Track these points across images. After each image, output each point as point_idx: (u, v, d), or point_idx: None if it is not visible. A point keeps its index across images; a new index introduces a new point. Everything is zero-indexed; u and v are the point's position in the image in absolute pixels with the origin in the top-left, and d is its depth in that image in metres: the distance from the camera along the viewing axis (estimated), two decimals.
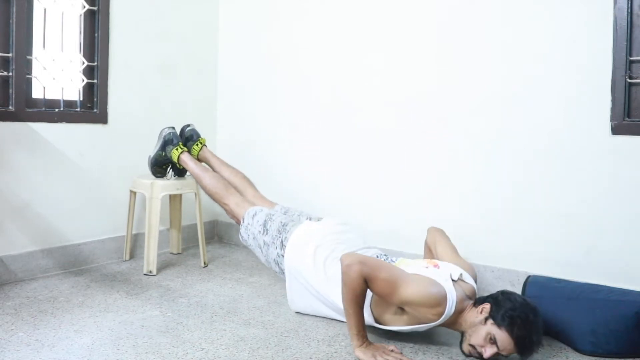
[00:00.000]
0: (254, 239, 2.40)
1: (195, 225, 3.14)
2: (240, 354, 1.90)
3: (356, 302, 1.88)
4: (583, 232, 2.38)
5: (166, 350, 1.91)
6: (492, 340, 1.77)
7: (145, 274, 2.77)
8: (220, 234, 3.62)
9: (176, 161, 2.78)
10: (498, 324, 1.78)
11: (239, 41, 3.50)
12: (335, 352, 1.94)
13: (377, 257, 2.21)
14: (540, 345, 1.81)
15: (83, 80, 2.88)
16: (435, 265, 2.04)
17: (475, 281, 2.11)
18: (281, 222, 2.35)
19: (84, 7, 2.86)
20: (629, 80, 2.28)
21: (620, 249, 2.30)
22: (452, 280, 1.95)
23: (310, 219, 2.41)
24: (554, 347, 2.03)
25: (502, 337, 1.76)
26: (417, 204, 2.79)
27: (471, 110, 2.64)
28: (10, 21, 2.57)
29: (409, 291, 1.85)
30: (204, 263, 2.98)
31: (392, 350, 1.88)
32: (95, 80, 2.91)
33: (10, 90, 2.59)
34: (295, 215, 2.50)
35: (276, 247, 2.31)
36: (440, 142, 2.73)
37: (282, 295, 2.52)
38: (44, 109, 2.73)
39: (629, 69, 2.28)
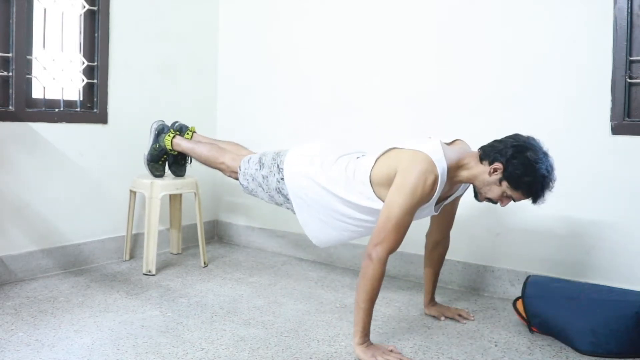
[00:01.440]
0: (253, 179, 2.38)
1: (195, 225, 3.14)
2: (240, 354, 1.90)
3: (371, 297, 1.88)
4: (583, 232, 2.38)
5: (166, 350, 1.91)
6: (509, 196, 1.91)
7: (145, 274, 2.77)
8: (220, 234, 3.62)
9: (170, 147, 2.75)
10: (514, 187, 1.88)
11: (239, 41, 3.50)
12: (335, 352, 1.94)
13: (372, 154, 2.15)
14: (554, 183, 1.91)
15: (83, 80, 2.88)
16: (428, 137, 2.08)
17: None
18: (275, 152, 2.36)
19: (84, 7, 2.86)
20: (629, 80, 2.28)
21: (620, 249, 2.30)
22: (444, 143, 1.99)
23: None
24: (554, 347, 2.03)
25: (519, 196, 1.91)
26: None
27: (471, 110, 2.64)
28: (10, 21, 2.57)
29: (405, 206, 1.86)
30: (204, 263, 2.98)
31: (391, 351, 1.88)
32: (95, 80, 2.91)
33: (10, 90, 2.59)
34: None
35: (274, 174, 2.29)
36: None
37: (282, 295, 2.53)
38: (44, 109, 2.73)
39: (629, 69, 2.28)
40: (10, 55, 2.58)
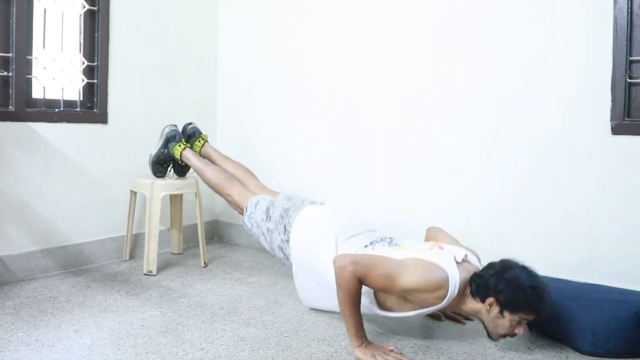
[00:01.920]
0: (257, 227, 2.40)
1: (196, 225, 3.14)
2: (240, 354, 1.90)
3: (352, 303, 1.88)
4: (583, 232, 2.38)
5: (166, 350, 1.91)
6: (518, 322, 1.86)
7: (145, 274, 2.77)
8: (221, 234, 3.62)
9: (179, 157, 2.78)
10: (516, 310, 1.84)
11: (239, 41, 3.50)
12: (335, 352, 1.94)
13: (382, 239, 2.18)
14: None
15: (83, 80, 2.88)
16: (440, 247, 2.02)
17: (480, 262, 2.10)
18: (284, 208, 2.35)
19: (84, 7, 2.86)
20: (629, 80, 2.28)
21: (620, 249, 2.30)
22: (457, 262, 1.94)
23: (313, 204, 2.40)
24: (554, 347, 2.03)
25: (527, 316, 1.85)
26: (416, 204, 2.79)
27: (471, 110, 2.64)
28: (10, 21, 2.57)
29: (407, 280, 1.85)
30: (204, 263, 2.98)
31: (391, 350, 1.88)
32: (95, 80, 2.91)
33: (10, 90, 2.59)
34: (299, 201, 2.47)
35: (279, 233, 2.30)
36: (439, 142, 2.73)
37: (282, 295, 2.53)
38: (44, 109, 2.73)
39: (629, 69, 2.28)
40: (10, 55, 2.58)
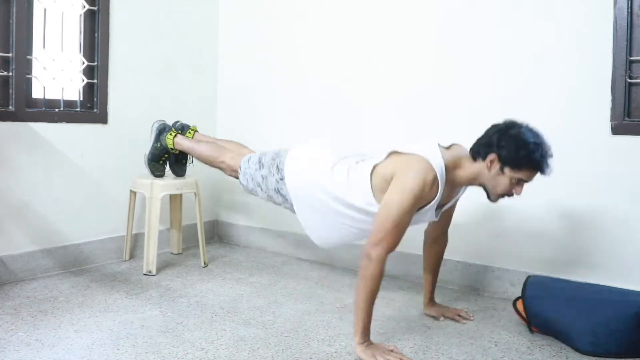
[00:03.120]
0: (252, 179, 2.39)
1: (196, 225, 3.13)
2: (240, 354, 1.90)
3: (371, 297, 1.88)
4: (583, 232, 2.38)
5: (166, 350, 1.91)
6: (518, 181, 1.89)
7: (145, 274, 2.77)
8: (221, 234, 3.62)
9: (172, 146, 2.76)
10: (517, 168, 1.87)
11: (239, 41, 3.50)
12: (335, 352, 1.94)
13: (371, 157, 2.17)
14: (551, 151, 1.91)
15: (83, 80, 2.88)
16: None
17: None
18: (274, 152, 2.36)
19: (84, 7, 2.86)
20: (629, 80, 2.28)
21: (621, 249, 2.30)
22: (440, 146, 1.99)
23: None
24: (554, 347, 2.03)
25: (526, 174, 1.88)
26: None
27: (471, 110, 2.64)
28: (10, 21, 2.57)
29: (405, 205, 1.86)
30: (204, 263, 2.98)
31: (392, 350, 1.88)
32: (95, 80, 2.91)
33: (10, 90, 2.59)
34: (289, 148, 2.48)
35: (273, 175, 2.30)
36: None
37: (282, 295, 2.53)
38: (44, 109, 2.73)
39: (629, 69, 2.28)
40: (10, 55, 2.58)
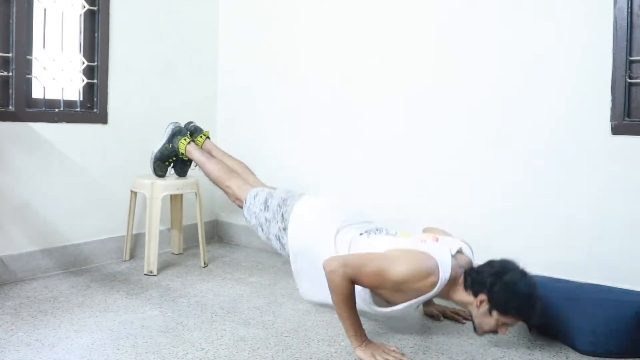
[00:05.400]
0: (255, 217, 2.40)
1: (196, 225, 3.13)
2: (240, 354, 1.90)
3: (347, 304, 1.88)
4: (583, 232, 2.38)
5: (166, 350, 1.91)
6: (504, 323, 1.89)
7: (145, 274, 2.77)
8: (221, 234, 3.62)
9: (183, 151, 2.79)
10: (504, 314, 1.86)
11: (239, 41, 3.50)
12: (335, 352, 1.94)
13: (377, 230, 2.18)
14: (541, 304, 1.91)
15: (83, 80, 2.88)
16: (435, 239, 2.03)
17: (473, 255, 2.11)
18: (282, 198, 2.36)
19: (84, 7, 2.86)
20: (629, 80, 2.28)
21: (621, 249, 2.30)
22: (451, 254, 1.96)
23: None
24: (554, 347, 2.03)
25: (513, 320, 1.89)
26: (416, 204, 2.79)
27: (471, 109, 2.64)
28: (10, 21, 2.57)
29: (397, 272, 1.85)
30: (204, 263, 2.98)
31: (392, 350, 1.88)
32: (95, 80, 2.91)
33: (10, 90, 2.59)
34: (297, 194, 2.47)
35: (277, 222, 2.31)
36: (439, 142, 2.73)
37: (282, 295, 2.53)
38: (44, 109, 2.73)
39: (629, 69, 2.28)
40: (10, 55, 2.58)
